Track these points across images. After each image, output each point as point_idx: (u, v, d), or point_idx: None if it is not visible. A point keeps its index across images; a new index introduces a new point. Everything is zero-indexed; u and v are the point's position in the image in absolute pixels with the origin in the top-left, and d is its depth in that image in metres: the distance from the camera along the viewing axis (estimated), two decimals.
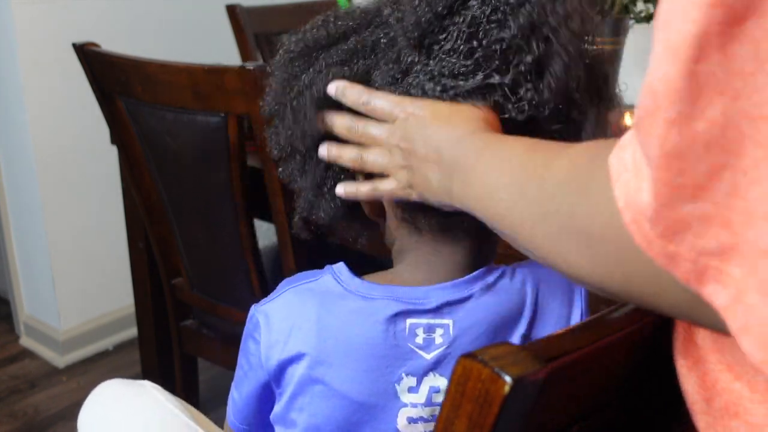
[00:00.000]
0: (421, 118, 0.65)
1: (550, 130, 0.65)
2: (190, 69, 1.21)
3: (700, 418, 0.49)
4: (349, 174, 0.74)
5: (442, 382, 0.69)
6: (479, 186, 0.58)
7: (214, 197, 1.32)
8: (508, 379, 0.46)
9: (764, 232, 0.34)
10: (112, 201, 1.98)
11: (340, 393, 0.69)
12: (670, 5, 0.37)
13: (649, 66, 0.38)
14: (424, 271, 0.72)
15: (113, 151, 1.58)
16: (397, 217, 0.72)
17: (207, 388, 1.90)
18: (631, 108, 1.39)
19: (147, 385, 0.93)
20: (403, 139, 0.66)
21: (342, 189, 0.72)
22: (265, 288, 1.37)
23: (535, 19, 0.64)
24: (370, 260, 0.79)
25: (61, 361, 2.15)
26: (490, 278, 0.71)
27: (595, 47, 0.68)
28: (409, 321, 0.69)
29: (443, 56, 0.65)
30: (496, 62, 0.64)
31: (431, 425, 0.70)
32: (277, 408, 0.73)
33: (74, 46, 1.36)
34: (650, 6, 1.50)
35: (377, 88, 0.69)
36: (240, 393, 0.77)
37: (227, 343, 1.52)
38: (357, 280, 0.71)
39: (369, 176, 0.73)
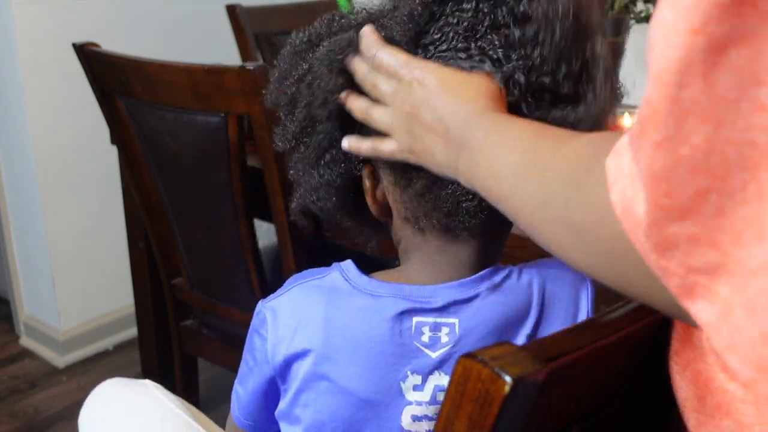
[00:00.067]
0: (426, 85, 0.64)
1: (554, 116, 0.65)
2: (190, 69, 1.21)
3: (690, 416, 0.49)
4: (351, 165, 0.74)
5: (447, 381, 0.69)
6: (485, 167, 0.58)
7: (214, 197, 1.32)
8: (508, 379, 0.46)
9: (752, 252, 0.35)
10: (112, 201, 1.98)
11: (345, 390, 0.69)
12: (656, 28, 0.37)
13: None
14: (430, 270, 0.72)
15: (113, 151, 1.58)
16: (401, 216, 0.72)
17: (207, 388, 1.90)
18: (630, 108, 1.38)
19: (148, 384, 0.93)
20: (407, 102, 0.65)
21: (347, 142, 0.71)
22: (265, 288, 1.37)
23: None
24: (369, 260, 0.79)
25: (61, 361, 2.15)
26: (497, 278, 0.71)
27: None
28: (416, 319, 0.69)
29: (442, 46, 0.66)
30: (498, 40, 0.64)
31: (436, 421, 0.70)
32: (282, 404, 0.74)
33: (74, 46, 1.36)
34: (650, 6, 1.50)
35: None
36: (245, 389, 0.77)
37: (227, 343, 1.52)
38: (364, 277, 0.71)
39: (376, 177, 0.73)
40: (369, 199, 0.74)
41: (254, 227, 1.34)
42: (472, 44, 0.65)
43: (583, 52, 0.65)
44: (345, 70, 0.70)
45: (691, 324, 0.45)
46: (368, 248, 0.83)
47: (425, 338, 0.69)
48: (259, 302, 0.74)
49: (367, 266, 0.73)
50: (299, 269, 0.78)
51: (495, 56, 0.64)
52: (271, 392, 0.75)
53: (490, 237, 0.71)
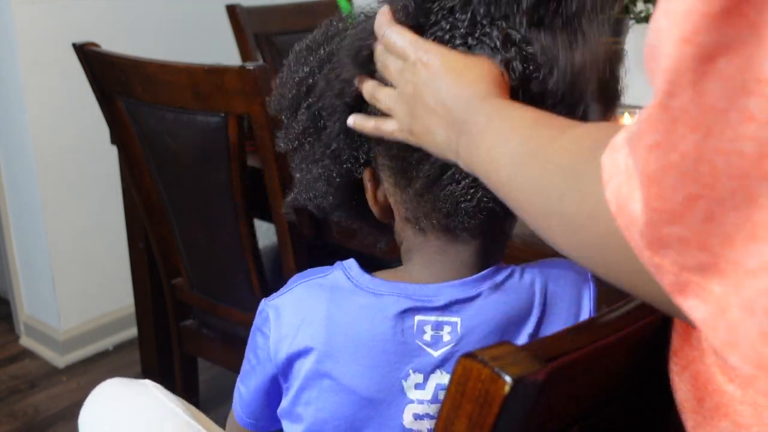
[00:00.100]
0: (430, 66, 0.64)
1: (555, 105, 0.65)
2: (190, 69, 1.21)
3: (688, 417, 0.50)
4: (352, 165, 0.74)
5: (448, 380, 0.69)
6: (485, 152, 0.59)
7: (214, 197, 1.32)
8: (508, 379, 0.46)
9: (747, 252, 0.35)
10: (112, 201, 1.98)
11: (347, 388, 0.69)
12: (653, 32, 0.37)
13: None
14: (432, 270, 0.72)
15: (113, 151, 1.58)
16: (402, 217, 0.73)
17: (207, 388, 1.90)
18: (630, 108, 1.38)
19: (148, 384, 0.93)
20: (410, 82, 0.65)
21: (352, 119, 0.71)
22: (265, 288, 1.37)
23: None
24: (371, 260, 0.79)
25: (61, 361, 2.15)
26: (499, 277, 0.71)
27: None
28: (418, 318, 0.69)
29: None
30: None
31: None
32: (284, 402, 0.74)
33: (74, 46, 1.36)
34: (650, 6, 1.50)
35: None
36: (247, 387, 0.77)
37: (227, 343, 1.52)
38: (367, 276, 0.71)
39: (377, 179, 0.74)
40: (370, 201, 0.75)
41: (254, 227, 1.34)
42: (469, 39, 0.66)
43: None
44: (364, 58, 0.71)
45: (683, 319, 0.45)
46: (377, 249, 0.83)
47: (427, 337, 0.69)
48: (262, 300, 0.74)
49: (369, 266, 0.74)
50: (299, 269, 0.78)
51: (493, 44, 0.65)
52: (274, 391, 0.75)
53: (490, 237, 0.71)
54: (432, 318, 0.69)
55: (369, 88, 0.70)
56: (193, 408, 0.92)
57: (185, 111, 1.25)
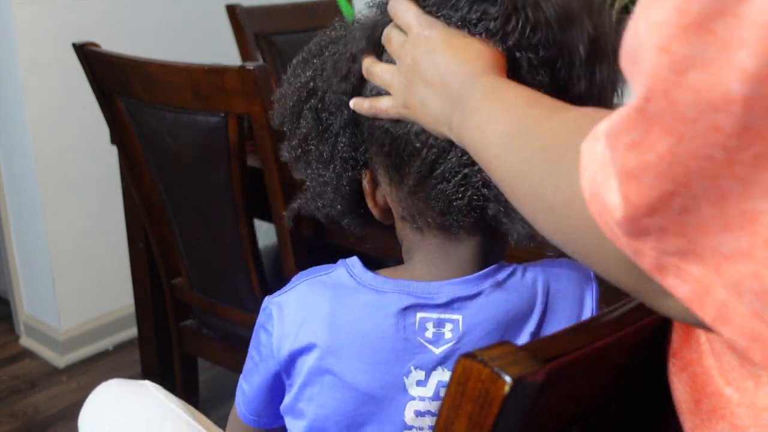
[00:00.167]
0: (431, 41, 0.65)
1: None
2: (190, 69, 1.21)
3: (686, 418, 0.50)
4: (354, 170, 0.75)
5: (449, 379, 0.70)
6: (477, 128, 0.59)
7: (214, 197, 1.32)
8: (508, 379, 0.46)
9: (722, 241, 0.37)
10: (112, 201, 1.98)
11: (349, 384, 0.70)
12: (632, 35, 0.39)
13: None
14: (433, 268, 0.72)
15: (113, 151, 1.58)
16: (399, 216, 0.73)
17: (207, 388, 1.90)
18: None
19: (147, 384, 0.93)
20: (410, 55, 0.66)
21: (353, 102, 0.72)
22: (265, 288, 1.37)
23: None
24: (372, 259, 0.79)
25: (61, 361, 2.15)
26: (501, 275, 0.71)
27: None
28: (420, 315, 0.69)
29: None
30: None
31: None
32: (287, 399, 0.74)
33: (74, 46, 1.36)
34: None
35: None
36: (250, 384, 0.78)
37: (227, 343, 1.52)
38: (370, 273, 0.72)
39: (375, 181, 0.75)
40: (370, 203, 0.76)
41: (254, 227, 1.34)
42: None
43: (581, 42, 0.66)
44: (377, 37, 0.72)
45: (654, 307, 0.46)
46: (365, 248, 0.84)
47: (429, 334, 0.70)
48: (266, 298, 0.75)
49: (371, 265, 0.74)
50: (299, 269, 0.78)
51: (493, 28, 0.66)
52: (276, 387, 0.76)
53: (489, 235, 0.72)
54: (434, 315, 0.70)
55: (366, 63, 0.71)
56: (193, 409, 0.92)
57: (185, 111, 1.25)
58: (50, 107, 2.03)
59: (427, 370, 0.70)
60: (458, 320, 0.70)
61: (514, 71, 0.65)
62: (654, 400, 0.62)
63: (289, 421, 0.76)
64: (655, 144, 0.37)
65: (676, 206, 0.38)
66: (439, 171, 0.68)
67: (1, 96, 2.06)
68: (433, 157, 0.67)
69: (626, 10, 1.47)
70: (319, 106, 0.74)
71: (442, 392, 0.70)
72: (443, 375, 0.70)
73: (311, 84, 0.74)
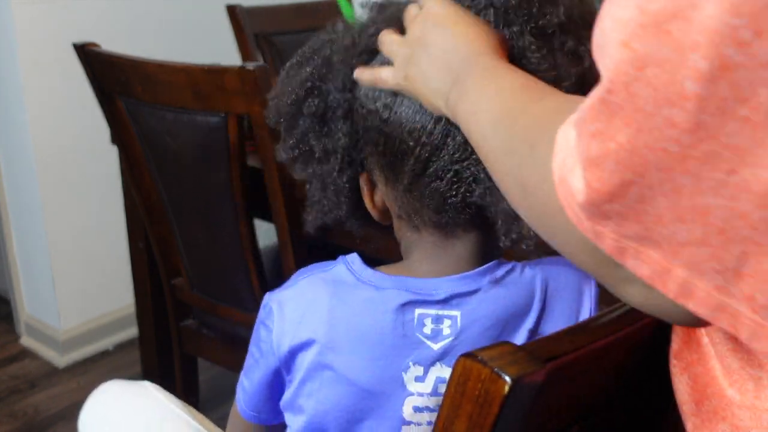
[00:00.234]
0: (440, 15, 0.67)
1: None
2: (189, 69, 1.21)
3: (688, 419, 0.50)
4: (355, 186, 0.76)
5: (448, 373, 0.70)
6: (470, 105, 0.61)
7: (214, 197, 1.32)
8: (507, 379, 0.46)
9: (676, 230, 0.39)
10: (112, 201, 1.98)
11: (348, 380, 0.70)
12: (599, 30, 0.40)
13: None
14: (431, 265, 0.73)
15: (113, 151, 1.58)
16: (396, 215, 0.74)
17: (207, 388, 1.90)
18: None
19: (147, 385, 0.93)
20: (418, 28, 0.68)
21: (356, 71, 0.73)
22: (265, 288, 1.36)
23: None
24: (370, 258, 0.80)
25: (61, 361, 2.15)
26: (499, 272, 0.72)
27: None
28: (418, 311, 0.70)
29: None
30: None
31: (436, 415, 0.71)
32: (287, 394, 0.75)
33: (74, 46, 1.36)
34: None
35: None
36: (251, 381, 0.78)
37: (227, 343, 1.52)
38: (369, 270, 0.73)
39: (372, 183, 0.76)
40: (368, 205, 0.77)
41: (254, 227, 1.34)
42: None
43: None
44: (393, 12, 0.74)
45: (617, 293, 0.48)
46: (356, 242, 0.85)
47: (427, 330, 0.70)
48: (266, 294, 0.76)
49: (371, 263, 0.75)
50: (299, 269, 0.79)
51: (499, 6, 0.68)
52: (276, 384, 0.76)
53: (486, 232, 0.72)
54: (432, 311, 0.70)
55: (376, 30, 0.73)
56: (193, 410, 0.92)
57: (185, 111, 1.25)
58: (50, 107, 2.03)
59: (426, 366, 0.70)
60: (456, 316, 0.70)
61: (516, 55, 0.67)
62: (653, 401, 0.62)
63: (288, 417, 0.76)
64: (616, 134, 0.39)
65: (633, 195, 0.40)
66: (432, 169, 0.69)
67: (1, 96, 2.06)
68: (426, 154, 0.68)
69: None
70: (317, 102, 0.75)
71: (441, 388, 0.70)
72: (441, 371, 0.70)
73: (309, 84, 0.75)
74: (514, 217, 0.66)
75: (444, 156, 0.68)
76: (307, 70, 0.75)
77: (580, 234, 0.45)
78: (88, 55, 1.35)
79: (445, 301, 0.70)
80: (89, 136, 2.06)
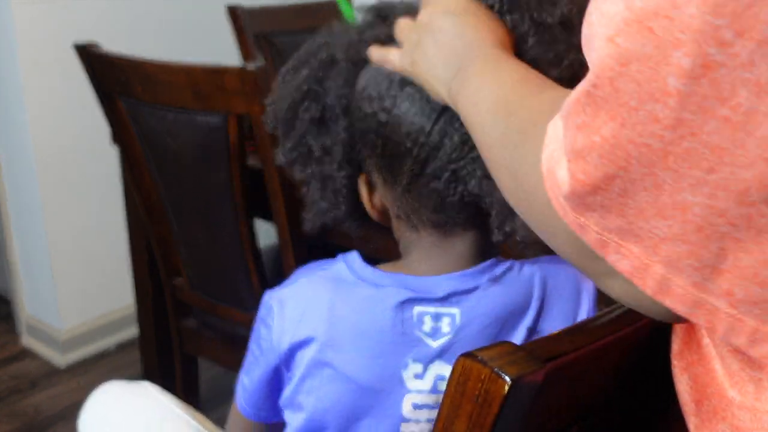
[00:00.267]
0: (453, 4, 0.68)
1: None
2: (189, 69, 1.21)
3: (689, 419, 0.50)
4: (351, 188, 0.77)
5: (447, 370, 0.71)
6: (471, 94, 0.62)
7: (214, 197, 1.32)
8: (507, 379, 0.46)
9: (657, 225, 0.39)
10: (112, 201, 1.98)
11: (347, 377, 0.71)
12: (587, 24, 0.40)
13: None
14: (430, 263, 0.74)
15: (113, 151, 1.58)
16: (395, 216, 0.75)
17: (207, 388, 1.90)
18: None
19: (147, 385, 0.94)
20: (430, 14, 0.69)
21: (371, 48, 0.74)
22: (266, 288, 1.36)
23: None
24: (370, 258, 0.80)
25: (61, 360, 2.15)
26: (498, 270, 0.72)
27: None
28: (417, 309, 0.70)
29: None
30: None
31: (436, 413, 0.71)
32: (286, 392, 0.75)
33: (75, 46, 1.36)
34: None
35: None
36: (250, 378, 0.78)
37: (227, 343, 1.52)
38: (368, 268, 0.73)
39: (371, 185, 0.76)
40: (367, 206, 0.77)
41: (254, 227, 1.34)
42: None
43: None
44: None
45: (599, 285, 0.48)
46: (354, 238, 0.86)
47: (426, 327, 0.70)
48: (267, 292, 0.76)
49: (371, 262, 0.75)
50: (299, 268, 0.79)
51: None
52: (276, 381, 0.77)
53: (483, 231, 0.73)
54: (431, 309, 0.71)
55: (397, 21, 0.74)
56: (193, 409, 0.92)
57: (185, 111, 1.25)
58: (50, 107, 2.03)
59: (425, 364, 0.71)
60: (455, 314, 0.71)
61: (521, 47, 0.68)
62: (652, 401, 0.62)
63: (288, 415, 0.76)
64: (601, 127, 0.39)
65: (616, 188, 0.40)
66: (430, 169, 0.69)
67: (1, 96, 2.06)
68: (424, 155, 0.69)
69: None
70: (314, 106, 0.75)
71: (440, 385, 0.71)
72: (441, 368, 0.71)
73: (305, 87, 0.75)
74: (508, 210, 0.67)
75: (441, 156, 0.69)
76: (303, 74, 0.76)
77: (566, 226, 0.45)
78: (89, 55, 1.35)
79: (444, 299, 0.71)
80: (89, 136, 2.06)
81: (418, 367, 0.71)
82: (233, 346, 1.50)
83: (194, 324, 1.59)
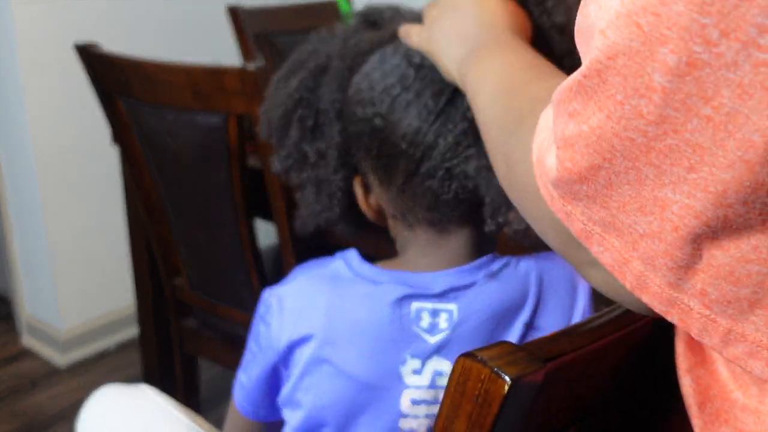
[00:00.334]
0: None
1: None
2: (189, 69, 1.21)
3: (693, 421, 0.50)
4: (347, 189, 0.78)
5: (445, 366, 0.72)
6: (478, 76, 0.62)
7: (214, 197, 1.32)
8: (507, 379, 0.46)
9: (638, 220, 0.40)
10: (112, 201, 1.98)
11: (346, 373, 0.71)
12: (581, 15, 0.41)
13: None
14: (427, 260, 0.74)
15: (113, 151, 1.58)
16: (391, 215, 0.76)
17: (207, 389, 1.90)
18: None
19: (145, 388, 0.94)
20: None
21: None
22: (265, 288, 1.37)
23: None
24: (369, 256, 0.80)
25: (61, 360, 2.15)
26: (495, 266, 0.73)
27: None
28: (415, 305, 0.71)
29: None
30: None
31: (434, 408, 0.72)
32: (285, 390, 0.75)
33: (75, 46, 1.36)
34: None
35: None
36: (249, 376, 0.79)
37: (227, 343, 1.52)
38: (366, 265, 0.74)
39: (367, 186, 0.77)
40: (363, 207, 0.78)
41: (254, 227, 1.34)
42: None
43: None
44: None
45: (581, 274, 0.49)
46: (346, 235, 0.87)
47: (424, 323, 0.71)
48: (266, 290, 0.77)
49: (369, 260, 0.76)
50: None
51: None
52: (274, 379, 0.77)
53: (479, 227, 0.73)
54: (429, 305, 0.71)
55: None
56: (191, 411, 0.92)
57: (185, 111, 1.25)
58: (50, 107, 2.03)
59: (423, 359, 0.71)
60: (453, 310, 0.71)
61: (538, 35, 0.69)
62: (651, 401, 0.62)
63: (286, 413, 0.76)
64: (590, 117, 0.40)
65: (601, 179, 0.40)
66: (424, 168, 0.70)
67: (1, 96, 2.06)
68: (419, 155, 0.70)
69: None
70: (306, 113, 0.76)
71: (438, 380, 0.71)
72: (438, 364, 0.71)
73: (297, 95, 0.76)
74: (502, 200, 0.68)
75: (436, 156, 0.69)
76: (295, 81, 0.76)
77: (551, 213, 0.46)
78: (89, 55, 1.35)
79: (441, 295, 0.71)
80: (89, 136, 2.06)
81: (416, 363, 0.71)
82: (233, 346, 1.50)
83: (194, 324, 1.59)
